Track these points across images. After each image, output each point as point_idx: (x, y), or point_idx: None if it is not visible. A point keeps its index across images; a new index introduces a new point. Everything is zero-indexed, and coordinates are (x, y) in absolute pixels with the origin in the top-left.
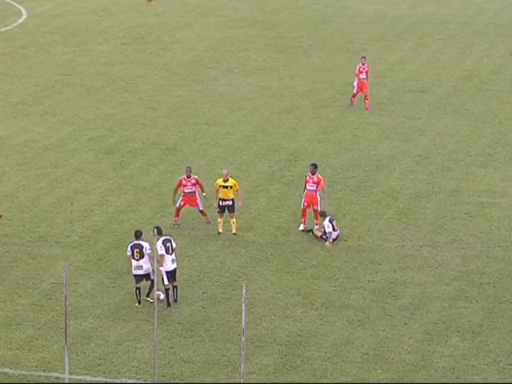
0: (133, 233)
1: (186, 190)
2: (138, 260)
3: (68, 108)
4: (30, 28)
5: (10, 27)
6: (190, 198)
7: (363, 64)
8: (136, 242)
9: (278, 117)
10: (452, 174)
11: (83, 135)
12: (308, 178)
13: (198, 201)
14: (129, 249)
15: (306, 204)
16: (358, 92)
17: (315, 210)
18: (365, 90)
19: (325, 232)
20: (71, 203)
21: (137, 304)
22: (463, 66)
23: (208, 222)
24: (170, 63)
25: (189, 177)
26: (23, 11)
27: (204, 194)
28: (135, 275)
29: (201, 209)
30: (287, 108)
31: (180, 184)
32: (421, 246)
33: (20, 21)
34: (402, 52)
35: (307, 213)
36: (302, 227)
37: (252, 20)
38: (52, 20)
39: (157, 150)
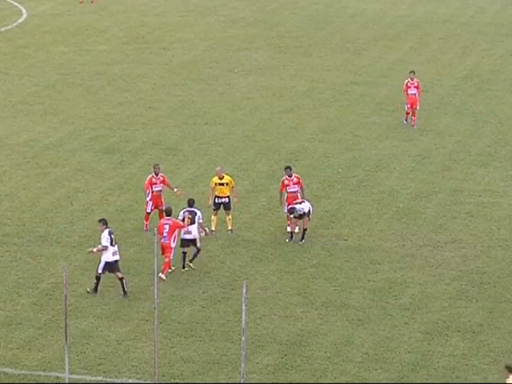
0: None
1: (155, 189)
2: (188, 225)
3: (68, 107)
4: (30, 28)
5: (10, 27)
6: (157, 197)
7: (412, 79)
8: (189, 208)
9: (279, 116)
10: (452, 174)
11: (83, 135)
12: (286, 181)
13: (163, 200)
14: (181, 214)
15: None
16: (409, 108)
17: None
18: (414, 106)
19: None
20: (71, 203)
21: (182, 269)
22: (463, 66)
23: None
24: (170, 63)
25: (157, 174)
26: (23, 11)
27: (175, 189)
28: (183, 239)
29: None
30: (287, 107)
31: (150, 182)
32: (421, 246)
33: (20, 20)
34: (403, 51)
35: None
36: (289, 229)
37: (252, 19)
38: (52, 20)
39: (157, 149)
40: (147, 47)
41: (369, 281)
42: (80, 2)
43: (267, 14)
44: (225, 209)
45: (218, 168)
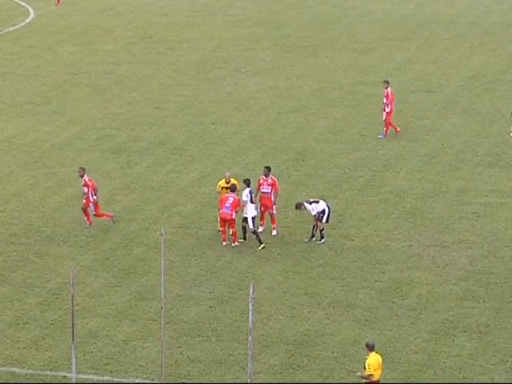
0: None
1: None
2: (254, 203)
3: (75, 107)
4: (37, 27)
5: (17, 27)
6: (86, 199)
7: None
8: (250, 188)
9: (286, 116)
10: (459, 174)
11: (90, 135)
12: (262, 181)
13: (90, 203)
14: (247, 194)
15: (262, 208)
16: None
17: (271, 214)
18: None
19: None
20: (79, 203)
21: (242, 240)
22: (471, 66)
23: (88, 224)
24: (178, 63)
25: (80, 177)
26: (31, 11)
27: (95, 197)
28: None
29: (94, 213)
30: (294, 108)
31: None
32: (428, 246)
33: (27, 20)
34: (410, 52)
35: (265, 216)
36: (261, 229)
37: (259, 19)
38: (59, 19)
39: (164, 149)
40: (154, 47)
41: (376, 281)
42: (55, 4)
43: (274, 14)
44: None
45: (228, 173)
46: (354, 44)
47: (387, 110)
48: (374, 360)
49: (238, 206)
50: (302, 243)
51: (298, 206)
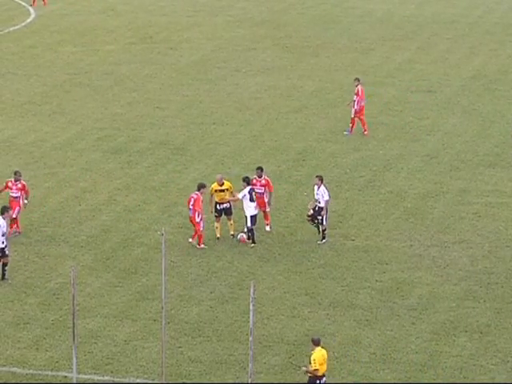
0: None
1: (12, 194)
2: (255, 202)
3: (76, 107)
4: (38, 27)
5: (18, 27)
6: (14, 202)
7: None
8: (251, 186)
9: (286, 116)
10: (460, 174)
11: (91, 135)
12: (255, 181)
13: (18, 207)
14: (247, 192)
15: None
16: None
17: (264, 212)
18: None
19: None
20: (79, 203)
21: (252, 245)
22: (471, 66)
23: (16, 232)
24: (178, 63)
25: (17, 180)
26: (31, 11)
27: (26, 201)
28: (255, 216)
29: (14, 216)
30: (295, 108)
31: (6, 186)
32: (429, 246)
33: (28, 20)
34: (410, 52)
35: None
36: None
37: (260, 19)
38: (60, 19)
39: (164, 149)
40: (155, 47)
41: (376, 281)
42: (30, 5)
43: (275, 14)
44: (226, 214)
45: (219, 176)
46: (354, 44)
47: (356, 107)
48: (319, 355)
49: (199, 206)
50: (303, 243)
51: (319, 177)
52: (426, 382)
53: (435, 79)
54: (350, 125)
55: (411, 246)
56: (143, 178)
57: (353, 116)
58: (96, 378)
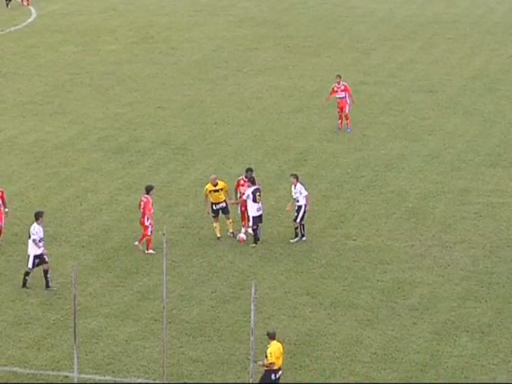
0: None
1: None
2: (258, 202)
3: (77, 107)
4: (39, 27)
5: (19, 26)
6: None
7: (338, 83)
8: (256, 187)
9: (288, 116)
10: (461, 174)
11: (92, 134)
12: (242, 182)
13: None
14: (250, 193)
15: (243, 208)
16: (339, 113)
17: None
18: (344, 110)
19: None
20: (80, 202)
21: (253, 245)
22: (473, 66)
23: None
24: (180, 62)
25: None
26: (32, 11)
27: (6, 209)
28: (258, 216)
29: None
30: (296, 107)
31: None
32: (430, 246)
33: (29, 20)
34: (412, 51)
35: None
36: (243, 230)
37: (261, 19)
38: (61, 19)
39: (166, 149)
40: (156, 47)
41: (377, 281)
42: (7, 6)
43: (276, 14)
44: (224, 213)
45: (213, 176)
46: (355, 44)
47: (349, 101)
48: (275, 348)
49: (148, 209)
50: (304, 243)
51: (294, 175)
52: (428, 381)
53: (436, 79)
54: (347, 121)
55: (412, 245)
56: (144, 177)
57: (349, 112)
58: (97, 377)
